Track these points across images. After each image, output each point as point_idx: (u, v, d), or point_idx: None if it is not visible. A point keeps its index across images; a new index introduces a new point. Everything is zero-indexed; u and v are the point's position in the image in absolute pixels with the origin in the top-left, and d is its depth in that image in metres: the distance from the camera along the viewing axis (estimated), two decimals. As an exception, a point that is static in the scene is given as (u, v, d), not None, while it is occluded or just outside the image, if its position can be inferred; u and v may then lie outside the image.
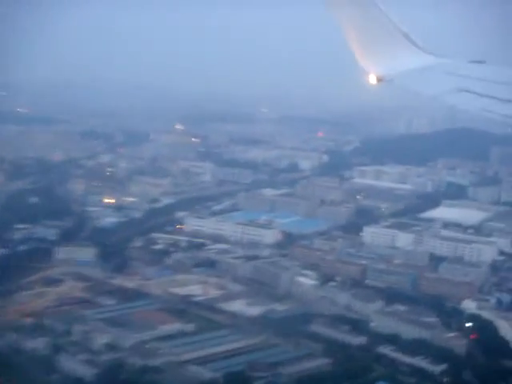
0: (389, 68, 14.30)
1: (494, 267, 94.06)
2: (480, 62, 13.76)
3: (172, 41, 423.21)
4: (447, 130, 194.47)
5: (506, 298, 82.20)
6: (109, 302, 71.33)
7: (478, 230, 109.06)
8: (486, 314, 75.37)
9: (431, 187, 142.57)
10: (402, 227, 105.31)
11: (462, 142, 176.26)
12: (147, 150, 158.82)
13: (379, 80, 14.19)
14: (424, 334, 65.80)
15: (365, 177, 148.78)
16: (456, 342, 64.64)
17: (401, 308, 72.71)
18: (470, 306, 78.47)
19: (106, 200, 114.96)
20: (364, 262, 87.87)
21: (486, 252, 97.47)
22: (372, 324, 69.04)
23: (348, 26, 14.53)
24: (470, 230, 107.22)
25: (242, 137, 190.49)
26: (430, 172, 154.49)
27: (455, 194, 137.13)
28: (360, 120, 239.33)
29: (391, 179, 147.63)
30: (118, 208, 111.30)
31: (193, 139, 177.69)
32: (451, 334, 66.36)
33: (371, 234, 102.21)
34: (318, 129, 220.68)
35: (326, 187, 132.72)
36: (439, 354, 62.01)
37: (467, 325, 70.78)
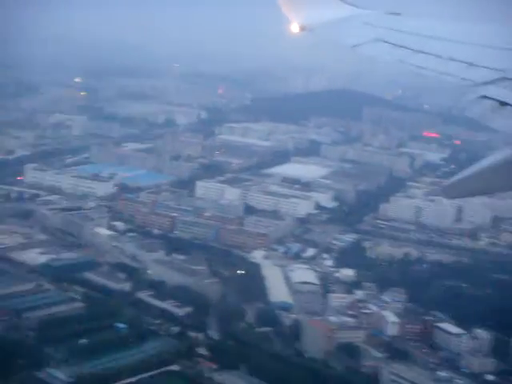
0: (311, 18, 14.23)
1: (305, 220, 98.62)
2: (396, 14, 13.84)
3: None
4: (330, 91, 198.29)
5: (294, 248, 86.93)
6: None
7: (308, 185, 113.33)
8: (266, 263, 79.92)
9: (292, 144, 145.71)
10: (233, 182, 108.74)
11: (339, 103, 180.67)
12: (30, 102, 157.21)
13: (301, 29, 14.07)
14: (187, 280, 69.46)
15: (233, 133, 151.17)
16: (214, 288, 68.58)
17: (180, 257, 76.25)
18: (257, 255, 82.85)
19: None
20: (176, 214, 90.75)
21: (302, 206, 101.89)
22: (146, 272, 72.42)
23: None
24: (297, 186, 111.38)
25: (133, 91, 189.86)
26: (298, 130, 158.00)
27: (312, 151, 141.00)
28: (266, 78, 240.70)
29: (256, 136, 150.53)
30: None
31: (81, 93, 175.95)
32: (211, 281, 70.22)
33: (202, 189, 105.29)
34: (222, 85, 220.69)
35: (187, 143, 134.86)
36: (191, 298, 65.87)
37: (238, 272, 74.89)
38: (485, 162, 6.82)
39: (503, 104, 7.48)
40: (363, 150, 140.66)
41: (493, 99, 7.77)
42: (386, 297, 70.27)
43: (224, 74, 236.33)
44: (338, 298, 69.55)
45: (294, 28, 14.16)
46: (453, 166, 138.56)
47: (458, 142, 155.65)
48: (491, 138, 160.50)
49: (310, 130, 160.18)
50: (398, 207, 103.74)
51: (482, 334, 62.28)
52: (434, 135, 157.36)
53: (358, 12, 14.43)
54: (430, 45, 10.90)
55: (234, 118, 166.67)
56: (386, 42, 11.66)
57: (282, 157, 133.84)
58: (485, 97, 7.99)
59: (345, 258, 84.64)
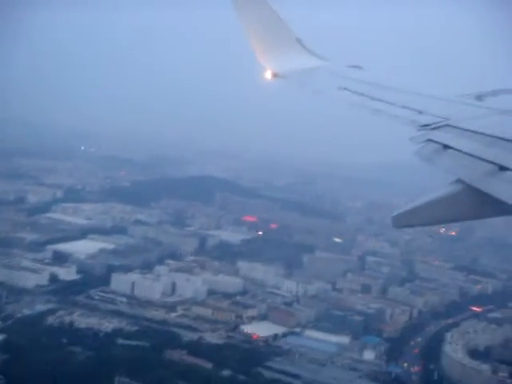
0: (282, 67, 15.94)
1: (24, 291, 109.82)
2: (357, 66, 15.66)
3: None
4: (200, 177, 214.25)
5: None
6: None
7: (66, 259, 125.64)
8: None
9: (109, 223, 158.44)
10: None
11: (205, 188, 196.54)
12: None
13: (274, 76, 15.69)
14: None
15: (64, 212, 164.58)
16: None
17: None
18: None
19: None
20: None
21: (33, 279, 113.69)
22: None
23: (250, 28, 16.38)
24: (48, 260, 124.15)
25: (16, 172, 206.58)
26: (133, 211, 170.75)
27: (123, 229, 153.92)
28: (175, 162, 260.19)
29: (83, 215, 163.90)
30: None
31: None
32: None
33: None
34: (127, 168, 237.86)
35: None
36: None
37: None
38: (431, 196, 7.02)
39: (446, 147, 8.12)
40: (164, 231, 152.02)
41: (437, 142, 8.45)
42: None
43: (130, 158, 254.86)
44: None
45: (268, 75, 15.71)
46: (243, 248, 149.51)
47: (273, 226, 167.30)
48: (314, 222, 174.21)
49: (145, 211, 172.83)
50: (122, 282, 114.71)
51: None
52: (251, 219, 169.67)
53: (325, 64, 16.17)
54: (386, 94, 12.25)
55: (85, 198, 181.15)
56: (348, 89, 13.19)
57: (84, 234, 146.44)
58: (431, 140, 8.65)
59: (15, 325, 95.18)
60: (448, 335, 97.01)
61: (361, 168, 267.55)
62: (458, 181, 7.03)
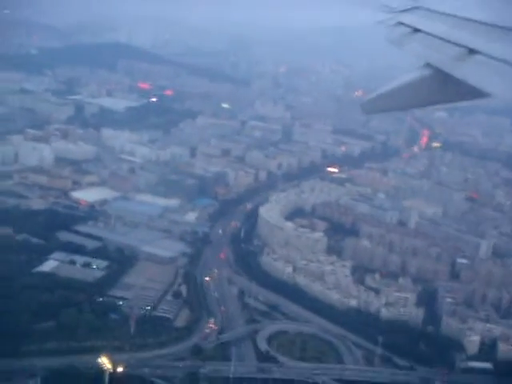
0: None
1: None
2: None
3: None
4: (107, 44, 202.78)
5: None
6: None
7: None
8: None
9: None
10: None
11: (109, 55, 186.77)
12: None
13: None
14: None
15: None
16: None
17: None
18: None
19: None
20: None
21: None
22: None
23: None
24: None
25: None
26: (22, 79, 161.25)
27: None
28: (102, 29, 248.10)
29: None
30: None
31: None
32: None
33: None
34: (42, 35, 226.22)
35: None
36: None
37: None
38: (397, 82, 6.82)
39: (416, 30, 7.88)
40: (45, 99, 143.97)
41: (407, 25, 8.30)
42: None
43: (60, 25, 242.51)
44: None
45: None
46: (124, 116, 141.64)
47: (168, 93, 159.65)
48: (215, 88, 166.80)
49: (35, 79, 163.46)
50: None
51: None
52: (146, 86, 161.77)
53: None
54: None
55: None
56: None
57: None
58: (401, 23, 8.53)
59: None
60: (272, 196, 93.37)
61: (305, 33, 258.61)
62: (427, 65, 6.65)
